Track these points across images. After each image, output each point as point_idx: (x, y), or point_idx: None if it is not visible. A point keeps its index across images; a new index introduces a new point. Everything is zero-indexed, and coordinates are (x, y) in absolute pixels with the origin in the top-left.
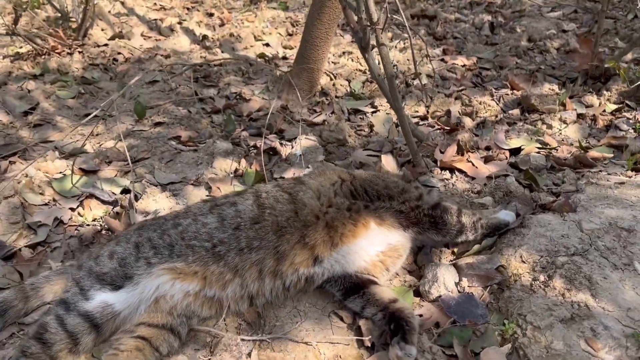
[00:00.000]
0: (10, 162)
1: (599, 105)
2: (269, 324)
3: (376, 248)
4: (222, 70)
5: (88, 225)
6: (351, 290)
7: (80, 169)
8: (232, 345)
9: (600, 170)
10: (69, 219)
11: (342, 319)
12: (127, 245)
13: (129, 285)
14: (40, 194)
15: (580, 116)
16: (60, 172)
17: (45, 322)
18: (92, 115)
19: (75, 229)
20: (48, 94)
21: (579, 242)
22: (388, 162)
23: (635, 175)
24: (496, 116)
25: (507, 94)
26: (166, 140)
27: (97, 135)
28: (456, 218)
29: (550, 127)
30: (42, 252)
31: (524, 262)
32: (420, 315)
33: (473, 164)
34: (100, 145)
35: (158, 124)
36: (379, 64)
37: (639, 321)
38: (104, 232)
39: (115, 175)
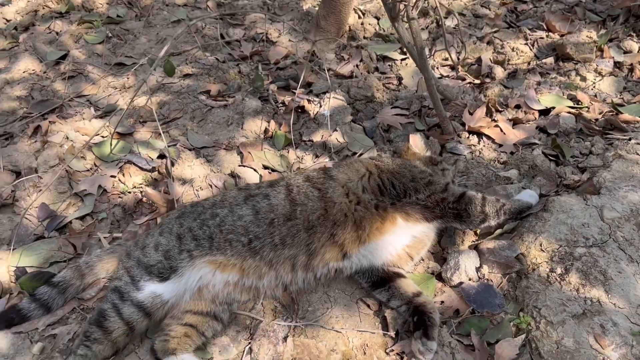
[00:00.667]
0: (50, 122)
1: (639, 50)
2: (302, 309)
3: (402, 242)
4: (247, 6)
5: (129, 192)
6: (378, 283)
7: (117, 132)
8: (270, 331)
9: (630, 138)
10: (112, 187)
11: (369, 306)
12: (170, 237)
13: (175, 277)
14: (82, 157)
15: (617, 65)
16: (98, 135)
17: (103, 309)
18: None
19: (119, 197)
20: (76, 38)
21: (599, 233)
22: (416, 143)
23: None
24: (529, 63)
25: (542, 37)
26: (196, 95)
27: (128, 88)
28: (480, 208)
29: (584, 79)
30: (91, 224)
31: (543, 250)
32: (442, 302)
33: (501, 129)
34: (132, 101)
35: (187, 75)
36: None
37: None
38: (144, 199)
39: (150, 137)
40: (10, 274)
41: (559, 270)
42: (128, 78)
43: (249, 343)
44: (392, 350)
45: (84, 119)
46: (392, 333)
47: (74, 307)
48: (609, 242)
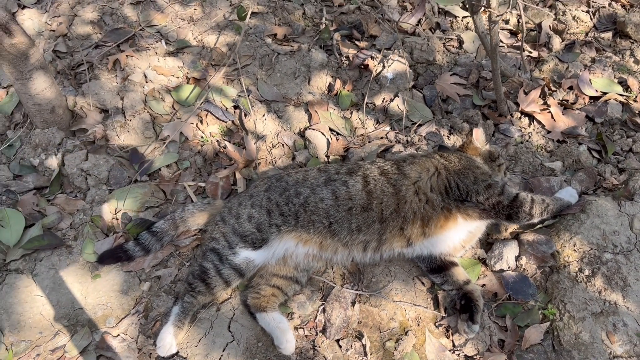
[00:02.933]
0: (127, 55)
1: None
2: (366, 279)
3: (459, 237)
4: None
5: (208, 141)
6: (435, 270)
7: (193, 78)
8: (341, 297)
9: None
10: (192, 135)
11: (423, 284)
12: (261, 211)
13: (265, 246)
14: (162, 99)
15: None
16: (173, 75)
17: (206, 268)
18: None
19: (199, 144)
20: None
21: (626, 242)
22: (478, 137)
23: None
24: (587, 34)
25: (604, 7)
26: (263, 37)
27: (196, 21)
28: (528, 210)
29: (637, 62)
30: (177, 172)
31: (575, 250)
32: (484, 285)
33: (552, 115)
34: (202, 39)
35: (253, 14)
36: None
37: None
38: (222, 149)
39: (223, 83)
40: (112, 214)
41: (586, 272)
42: (195, 9)
43: (323, 304)
44: (441, 325)
45: (157, 54)
46: (442, 311)
47: (171, 252)
48: (634, 251)
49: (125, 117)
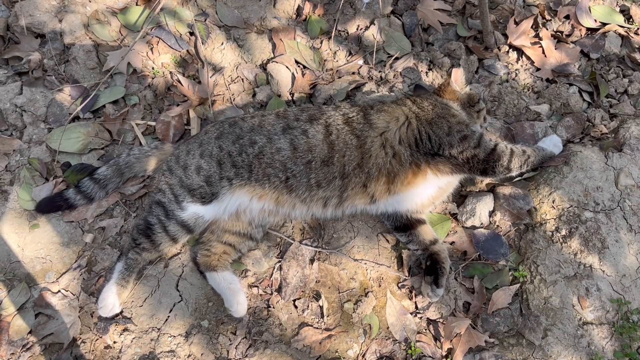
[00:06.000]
0: None
1: None
2: (327, 234)
3: (428, 193)
4: None
5: (159, 73)
6: (400, 228)
7: None
8: (299, 255)
9: None
10: (141, 65)
11: (387, 241)
12: (211, 162)
13: (215, 201)
14: (107, 23)
15: None
16: None
17: (151, 224)
18: None
19: (150, 77)
20: None
21: (609, 199)
22: (457, 79)
23: None
24: None
25: None
26: None
27: None
28: (506, 164)
29: None
30: (124, 110)
31: (554, 207)
32: (452, 243)
33: (543, 51)
34: None
35: None
36: None
37: (627, 287)
38: (175, 82)
39: (178, 4)
40: (52, 156)
41: (563, 232)
42: None
43: (279, 261)
44: (404, 286)
45: None
46: (405, 271)
47: (117, 200)
48: (616, 210)
49: (64, 43)
